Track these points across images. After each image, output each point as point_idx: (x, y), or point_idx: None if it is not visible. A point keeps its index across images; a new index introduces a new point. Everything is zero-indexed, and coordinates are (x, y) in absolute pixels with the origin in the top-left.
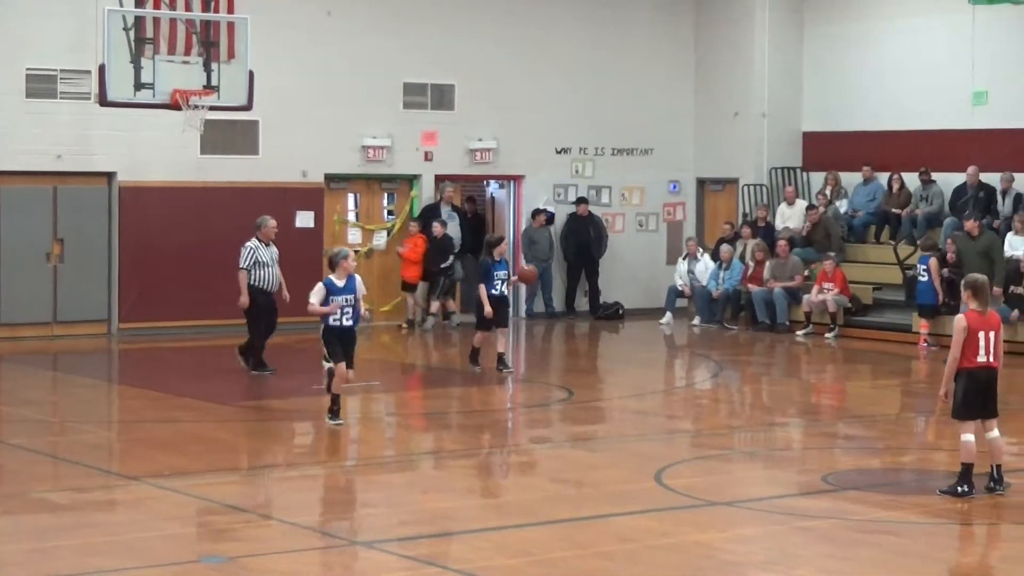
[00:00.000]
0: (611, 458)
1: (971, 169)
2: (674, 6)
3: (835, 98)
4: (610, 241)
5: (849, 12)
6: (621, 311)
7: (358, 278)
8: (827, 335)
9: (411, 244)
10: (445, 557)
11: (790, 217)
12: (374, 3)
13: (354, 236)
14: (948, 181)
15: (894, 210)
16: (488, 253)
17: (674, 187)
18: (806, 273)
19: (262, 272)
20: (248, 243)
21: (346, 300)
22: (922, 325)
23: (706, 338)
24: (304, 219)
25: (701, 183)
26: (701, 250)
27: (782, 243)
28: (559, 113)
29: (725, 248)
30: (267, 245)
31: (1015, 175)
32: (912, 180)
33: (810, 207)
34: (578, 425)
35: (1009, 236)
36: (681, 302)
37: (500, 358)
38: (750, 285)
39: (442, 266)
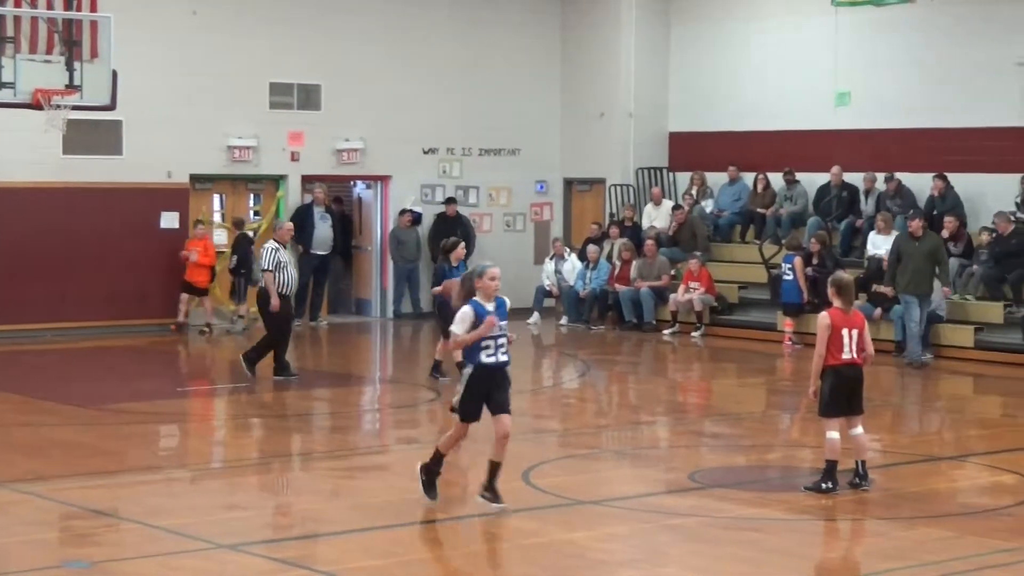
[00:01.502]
0: (477, 459)
1: (835, 169)
2: (540, 7)
3: (701, 99)
4: (478, 241)
5: (715, 13)
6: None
7: (507, 301)
8: (693, 334)
9: (200, 247)
10: (312, 559)
11: (657, 217)
12: (240, 3)
13: (220, 237)
14: (812, 181)
15: (759, 210)
16: (444, 259)
17: (541, 187)
18: (672, 272)
19: (282, 275)
20: (267, 244)
21: (499, 328)
22: (787, 323)
23: (573, 338)
24: (169, 220)
25: (568, 183)
26: (568, 250)
27: (649, 243)
28: (426, 113)
29: (592, 248)
30: (285, 247)
31: (877, 175)
32: (777, 180)
33: (676, 207)
34: (446, 425)
35: (871, 235)
36: (549, 302)
37: (437, 364)
38: (617, 285)
39: (239, 269)
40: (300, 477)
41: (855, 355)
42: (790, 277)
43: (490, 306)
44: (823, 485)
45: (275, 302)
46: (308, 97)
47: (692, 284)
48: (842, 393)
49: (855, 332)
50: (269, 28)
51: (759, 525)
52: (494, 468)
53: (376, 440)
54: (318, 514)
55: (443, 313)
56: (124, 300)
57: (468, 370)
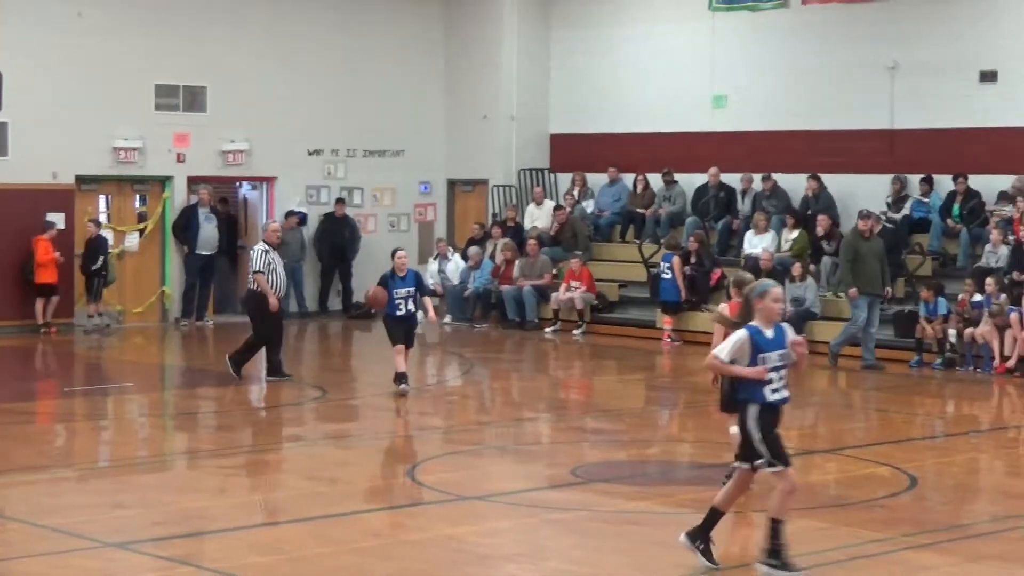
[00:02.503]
0: (364, 455)
1: (712, 170)
2: (423, 10)
3: (581, 101)
4: (363, 242)
5: (595, 17)
6: (373, 310)
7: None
8: (575, 332)
9: (42, 248)
10: (199, 556)
11: (538, 217)
12: (126, 4)
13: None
14: (690, 182)
15: (638, 210)
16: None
17: (425, 188)
18: (554, 271)
19: (272, 277)
20: (257, 246)
21: (779, 356)
22: (666, 321)
23: (457, 336)
24: (54, 221)
25: (451, 184)
26: (452, 250)
27: (531, 242)
28: (311, 115)
29: (475, 248)
30: (275, 248)
31: (753, 176)
32: (656, 181)
33: (558, 207)
34: (331, 423)
35: (748, 235)
36: (433, 301)
37: (402, 377)
38: (500, 284)
39: (93, 268)
40: (187, 475)
41: None
42: (669, 276)
43: (769, 333)
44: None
45: (273, 302)
46: (194, 99)
47: (573, 283)
48: None
49: None
50: (155, 30)
51: (639, 518)
52: (777, 528)
53: (263, 438)
54: (205, 512)
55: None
56: (9, 301)
57: (753, 410)
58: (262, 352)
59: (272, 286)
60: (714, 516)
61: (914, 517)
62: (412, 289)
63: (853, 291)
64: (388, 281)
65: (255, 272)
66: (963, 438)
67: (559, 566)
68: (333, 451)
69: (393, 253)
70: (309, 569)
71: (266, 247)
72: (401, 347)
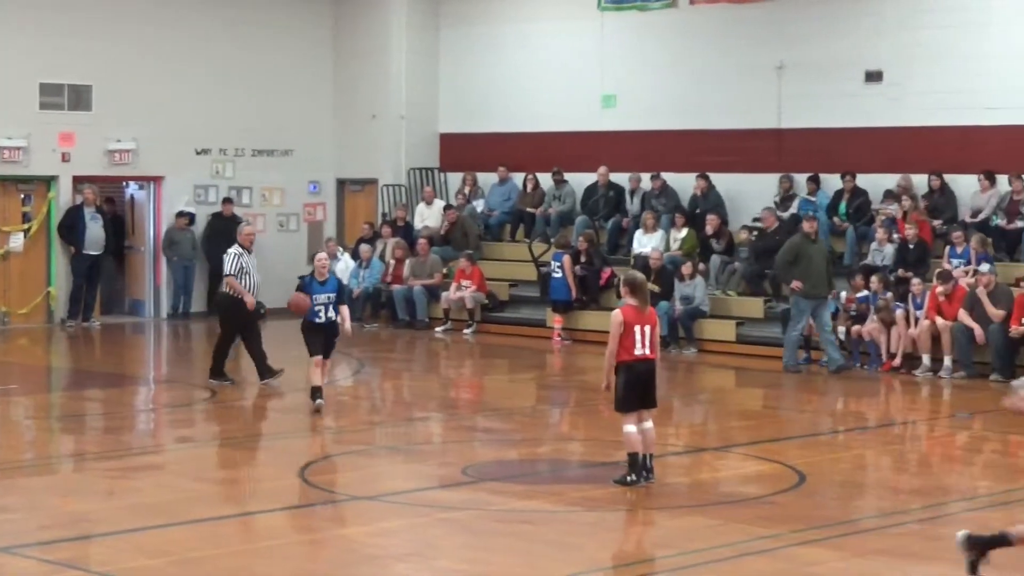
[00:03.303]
0: (254, 456)
1: (601, 169)
2: (312, 9)
3: (471, 101)
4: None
5: (484, 16)
6: (263, 311)
7: None
8: (465, 331)
9: None
10: (86, 560)
11: (428, 216)
12: (10, 2)
13: (16, 241)
14: (580, 181)
15: (528, 209)
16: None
17: (314, 188)
18: (444, 271)
19: (245, 280)
20: (231, 249)
21: None
22: (556, 320)
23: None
24: None
25: (341, 183)
26: (341, 249)
27: (421, 242)
28: (199, 114)
29: (365, 247)
30: (249, 252)
31: (642, 175)
32: (545, 180)
33: (448, 207)
34: (221, 424)
35: (637, 234)
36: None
37: (318, 390)
38: (390, 283)
39: None
40: (73, 478)
41: (648, 351)
42: (559, 275)
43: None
44: (628, 478)
45: (250, 300)
46: (79, 97)
47: (464, 282)
48: (636, 388)
49: (648, 328)
50: (39, 28)
51: (530, 517)
52: None
53: (150, 440)
54: (92, 515)
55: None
56: None
57: None
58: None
59: (246, 289)
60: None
61: (803, 513)
62: (333, 295)
63: (796, 284)
64: (307, 286)
65: (226, 275)
66: (851, 435)
67: (450, 565)
68: (222, 452)
69: (313, 256)
70: (198, 571)
71: (240, 250)
72: (319, 358)
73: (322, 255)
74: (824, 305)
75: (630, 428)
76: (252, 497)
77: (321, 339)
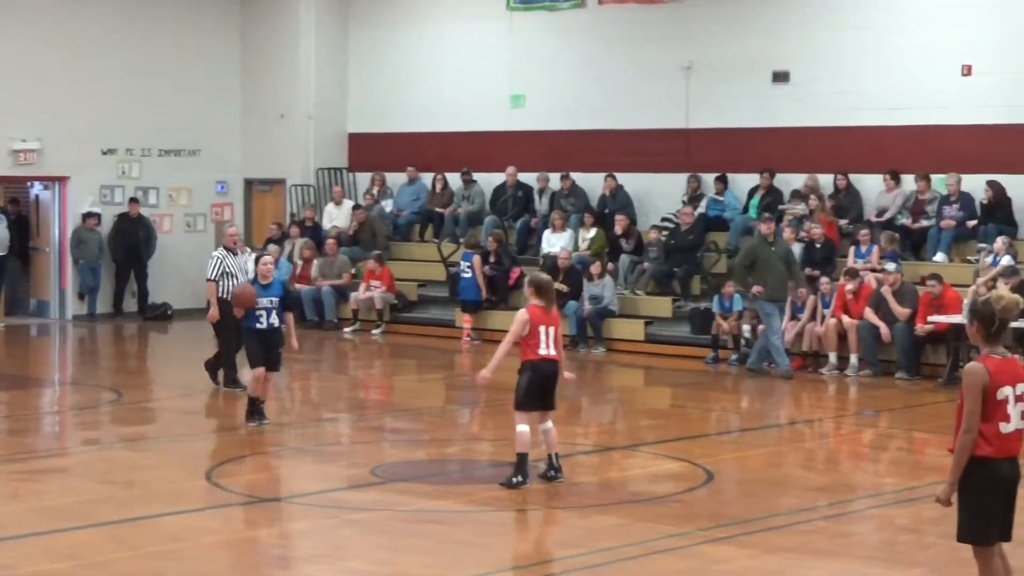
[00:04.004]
0: (161, 458)
1: (510, 169)
2: (219, 8)
3: (380, 100)
4: (158, 242)
5: (393, 16)
6: (170, 311)
7: None
8: (374, 331)
9: None
10: None
11: (337, 217)
12: None
13: None
14: (488, 181)
15: (437, 209)
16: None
17: (221, 188)
18: (353, 271)
19: (229, 283)
20: (215, 252)
21: None
22: (465, 320)
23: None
24: None
25: (249, 184)
26: (249, 249)
27: (330, 242)
28: (105, 114)
29: (273, 247)
30: (235, 254)
31: (551, 175)
32: (454, 180)
33: (356, 207)
34: (127, 426)
35: (546, 233)
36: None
37: (258, 405)
38: (298, 284)
39: None
40: None
41: (552, 351)
42: (468, 275)
43: None
44: (514, 480)
45: (213, 312)
46: None
47: (373, 282)
48: (537, 388)
49: (552, 329)
50: None
51: (440, 517)
52: None
53: (56, 442)
54: None
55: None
56: None
57: None
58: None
59: (229, 293)
60: None
61: (711, 511)
62: (276, 299)
63: (757, 289)
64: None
65: (207, 280)
66: (758, 433)
67: (360, 566)
68: (129, 454)
69: (258, 258)
70: (105, 574)
71: (223, 252)
72: (261, 371)
73: (268, 256)
74: (782, 308)
75: (523, 428)
76: (159, 499)
77: (263, 348)
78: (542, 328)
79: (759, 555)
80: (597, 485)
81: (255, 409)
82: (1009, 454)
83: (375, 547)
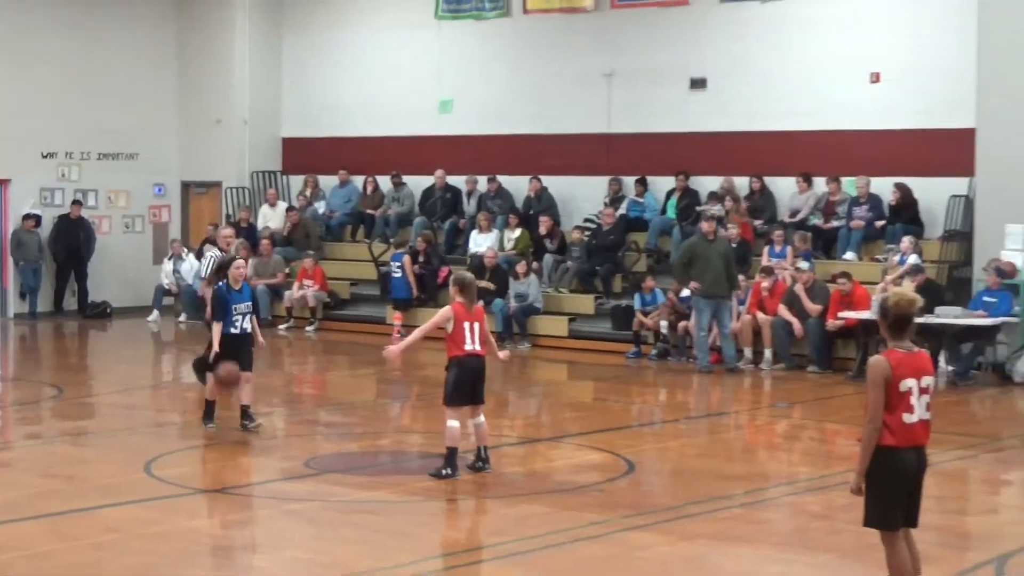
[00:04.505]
0: (101, 452)
1: (439, 172)
2: (156, 15)
3: (312, 106)
4: (98, 243)
5: (325, 24)
6: (109, 310)
7: None
8: (308, 328)
9: None
10: None
11: (272, 218)
12: None
13: None
14: (418, 183)
15: (368, 211)
16: (220, 277)
17: (159, 190)
18: (287, 270)
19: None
20: (208, 253)
21: None
22: (396, 317)
23: (192, 334)
24: None
25: (186, 186)
26: (186, 250)
27: (265, 242)
28: (45, 118)
29: (209, 248)
30: (226, 253)
31: (478, 177)
32: (385, 182)
33: (290, 208)
34: (68, 421)
35: (473, 234)
36: (168, 300)
37: (244, 411)
38: None
39: None
40: None
41: (477, 347)
42: (399, 274)
43: None
44: (443, 472)
45: (210, 311)
46: None
47: (306, 281)
48: (466, 383)
49: (476, 325)
50: None
51: (373, 507)
52: None
53: None
54: None
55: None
56: None
57: None
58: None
59: None
60: None
61: (632, 500)
62: (250, 304)
63: (694, 284)
64: (225, 295)
65: (201, 278)
66: (677, 424)
67: (296, 555)
68: (70, 449)
69: (230, 262)
70: (46, 565)
71: (216, 252)
72: (233, 372)
73: (240, 261)
74: (724, 305)
75: (454, 424)
76: (100, 492)
77: (234, 352)
78: (466, 324)
79: (678, 542)
80: (523, 475)
81: (210, 412)
82: (913, 443)
83: (310, 537)
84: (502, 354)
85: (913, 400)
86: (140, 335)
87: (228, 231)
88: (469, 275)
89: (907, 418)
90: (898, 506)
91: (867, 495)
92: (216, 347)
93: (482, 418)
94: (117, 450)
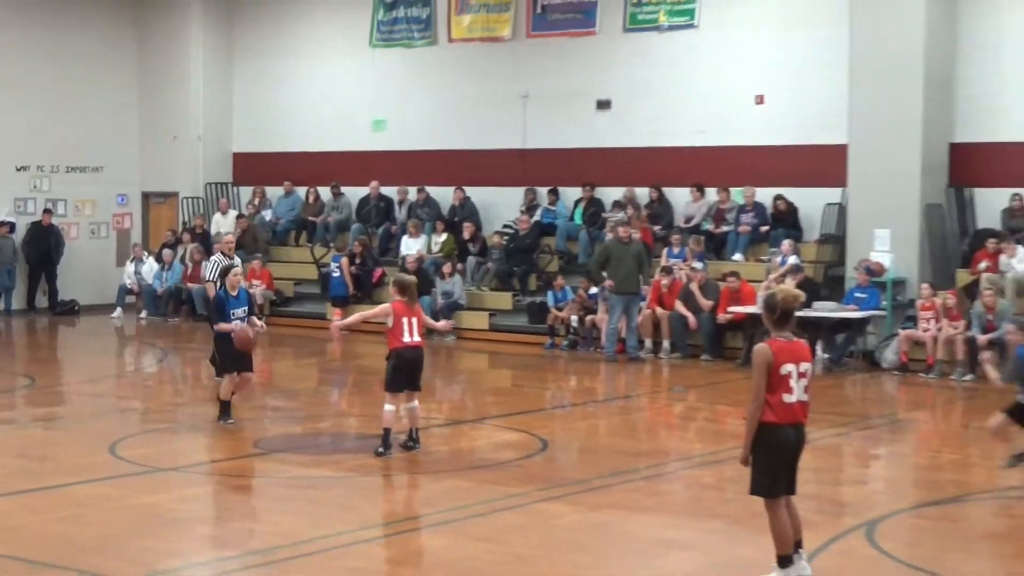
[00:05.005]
0: (70, 435)
1: (373, 183)
2: (120, 45)
3: (260, 124)
4: (67, 247)
5: (272, 51)
6: (77, 307)
7: None
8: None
9: None
10: None
11: (223, 224)
12: None
13: None
14: (355, 193)
15: (310, 218)
16: (222, 282)
17: (122, 200)
18: None
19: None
20: (213, 256)
21: None
22: (336, 313)
23: (152, 329)
24: None
25: (146, 196)
26: (147, 253)
27: (217, 247)
28: (19, 135)
29: (167, 252)
30: (230, 258)
31: (409, 188)
32: (325, 193)
33: (240, 216)
34: (40, 407)
35: (404, 239)
36: (130, 299)
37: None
38: (189, 283)
39: None
40: None
41: (416, 339)
42: (338, 274)
43: None
44: (378, 450)
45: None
46: None
47: (255, 281)
48: (404, 372)
49: (415, 320)
50: None
51: (314, 483)
52: None
53: None
54: None
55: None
56: None
57: None
58: None
59: None
60: None
61: (546, 474)
62: (247, 308)
63: (609, 283)
64: (223, 302)
65: (206, 281)
66: (585, 407)
67: (244, 526)
68: (42, 432)
69: (228, 270)
70: (18, 536)
71: (221, 257)
72: (235, 376)
73: (237, 268)
74: (634, 301)
75: (390, 408)
76: (68, 471)
77: (237, 352)
78: (405, 320)
79: (587, 511)
80: (449, 453)
81: (226, 410)
82: (792, 421)
83: (257, 509)
84: (441, 324)
85: (792, 383)
86: (105, 330)
87: (229, 237)
88: (409, 278)
89: (787, 398)
90: (780, 476)
91: (753, 467)
92: (231, 327)
93: (416, 403)
94: (84, 433)
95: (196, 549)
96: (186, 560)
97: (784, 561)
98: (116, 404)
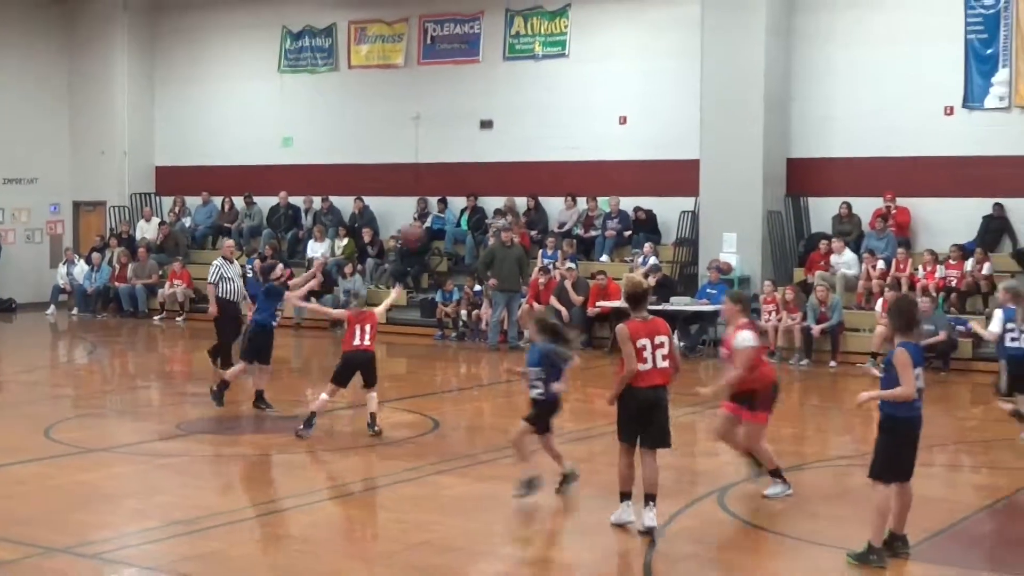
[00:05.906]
0: (8, 420)
1: (282, 193)
2: (52, 67)
3: (181, 140)
4: (5, 251)
5: (190, 76)
6: (14, 305)
7: None
8: (177, 319)
9: None
10: None
11: (147, 230)
12: None
13: None
14: (266, 203)
15: (226, 224)
16: (267, 279)
17: (55, 208)
18: (160, 272)
19: (227, 286)
20: (215, 261)
21: None
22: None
23: (83, 324)
24: None
25: (77, 205)
26: (78, 256)
27: (141, 250)
28: None
29: (96, 255)
30: (231, 262)
31: (314, 198)
32: (239, 202)
33: (162, 223)
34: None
35: (311, 243)
36: (63, 297)
37: (260, 395)
38: (116, 283)
39: None
40: None
41: (367, 343)
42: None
43: None
44: (298, 428)
45: (212, 309)
46: None
47: (176, 281)
48: (350, 370)
49: (367, 326)
50: None
51: (233, 460)
52: None
53: None
54: None
55: (255, 343)
56: None
57: None
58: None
59: (227, 294)
60: None
61: (438, 450)
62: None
63: (493, 281)
64: (278, 291)
65: (208, 283)
66: (472, 391)
67: (168, 500)
68: None
69: (272, 268)
70: None
71: (222, 261)
72: (253, 364)
73: (280, 266)
74: (515, 298)
75: (324, 396)
76: (7, 452)
77: (268, 345)
78: (357, 327)
79: (475, 483)
80: (352, 433)
81: (223, 387)
82: (649, 384)
83: (180, 485)
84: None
85: (647, 354)
86: (40, 326)
87: (230, 242)
88: (358, 288)
89: (642, 367)
90: (631, 427)
91: (617, 417)
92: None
93: (374, 394)
94: (21, 419)
95: (125, 521)
96: (117, 531)
97: (624, 496)
98: (50, 392)
